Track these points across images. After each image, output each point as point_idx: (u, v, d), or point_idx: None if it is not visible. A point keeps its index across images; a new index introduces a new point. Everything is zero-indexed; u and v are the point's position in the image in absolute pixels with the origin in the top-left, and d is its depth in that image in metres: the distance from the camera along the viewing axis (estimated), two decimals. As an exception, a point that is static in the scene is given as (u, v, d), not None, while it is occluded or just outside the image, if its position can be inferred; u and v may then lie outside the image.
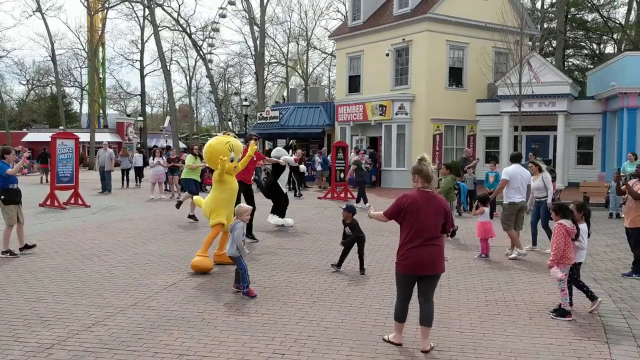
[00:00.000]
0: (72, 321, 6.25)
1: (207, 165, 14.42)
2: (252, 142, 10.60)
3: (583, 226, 6.85)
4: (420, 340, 5.55)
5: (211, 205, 9.09)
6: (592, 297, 6.77)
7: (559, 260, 6.50)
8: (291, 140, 33.81)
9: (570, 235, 6.54)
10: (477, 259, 9.89)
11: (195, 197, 10.56)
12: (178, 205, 14.76)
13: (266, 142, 37.06)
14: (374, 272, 8.73)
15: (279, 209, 13.12)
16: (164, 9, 47.35)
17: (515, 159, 10.72)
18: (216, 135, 10.12)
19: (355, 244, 8.89)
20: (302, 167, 15.58)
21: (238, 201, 10.17)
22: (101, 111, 61.03)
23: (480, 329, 6.17)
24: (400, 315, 5.59)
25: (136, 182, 26.41)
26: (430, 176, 5.50)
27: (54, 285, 7.77)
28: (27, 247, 10.03)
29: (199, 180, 15.16)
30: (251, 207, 8.36)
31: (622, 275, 8.75)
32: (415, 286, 5.55)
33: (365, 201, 16.94)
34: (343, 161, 20.91)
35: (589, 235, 7.01)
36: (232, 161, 9.18)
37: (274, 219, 12.95)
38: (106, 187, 22.29)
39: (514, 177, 10.16)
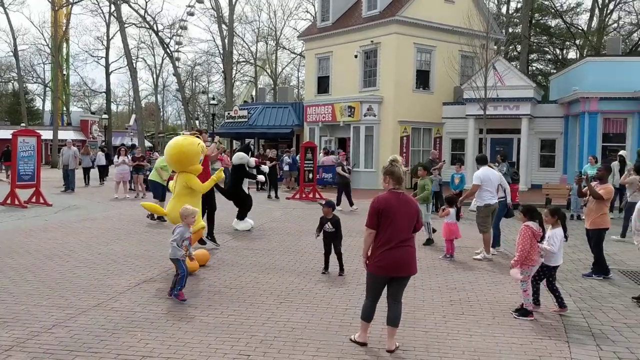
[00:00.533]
0: (32, 322, 6.10)
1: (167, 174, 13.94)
2: (220, 169, 10.32)
3: (559, 230, 6.86)
4: (385, 339, 5.59)
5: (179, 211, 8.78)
6: (561, 304, 6.87)
7: (523, 261, 6.61)
8: (248, 141, 33.69)
9: (536, 238, 6.64)
10: (442, 259, 10.00)
11: (144, 204, 9.21)
12: (151, 217, 13.93)
13: (234, 141, 36.86)
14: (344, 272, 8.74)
15: (243, 211, 12.89)
16: (130, 6, 46.74)
17: (482, 161, 10.79)
18: (182, 133, 9.92)
19: (332, 244, 8.74)
20: (264, 167, 15.21)
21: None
22: (65, 108, 59.81)
23: (444, 329, 6.24)
24: (368, 315, 5.61)
25: (100, 180, 26.03)
26: (401, 178, 5.52)
27: (14, 286, 7.57)
28: None
29: (166, 185, 14.58)
30: (197, 210, 7.69)
31: (583, 275, 8.95)
32: (385, 287, 5.57)
33: (339, 203, 16.76)
34: (312, 162, 20.89)
35: (566, 239, 6.99)
36: (200, 163, 9.06)
37: (240, 225, 12.71)
38: (69, 185, 21.87)
39: (485, 180, 10.26)
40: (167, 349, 5.47)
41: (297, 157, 23.89)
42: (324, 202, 8.94)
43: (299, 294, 7.50)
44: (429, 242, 11.47)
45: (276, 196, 20.52)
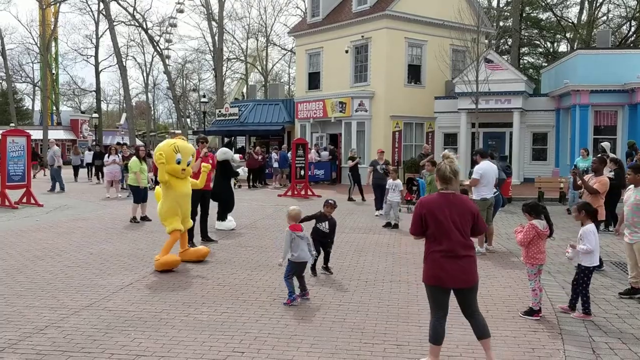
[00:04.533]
0: (23, 324, 6.06)
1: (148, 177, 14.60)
2: (205, 160, 10.40)
3: (591, 226, 6.61)
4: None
5: (162, 212, 9.02)
6: (572, 306, 6.70)
7: (526, 257, 6.54)
8: (228, 139, 33.86)
9: (541, 238, 6.44)
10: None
11: (156, 189, 9.67)
12: (133, 220, 13.60)
13: (225, 139, 36.76)
14: (336, 269, 8.73)
15: (224, 212, 12.60)
16: (119, 3, 46.49)
17: (484, 155, 10.58)
18: (174, 132, 9.90)
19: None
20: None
21: (195, 206, 10.08)
22: (54, 108, 59.41)
23: (438, 323, 6.21)
24: (435, 335, 5.03)
25: (88, 177, 26.44)
26: (448, 176, 4.87)
27: (5, 287, 7.52)
28: None
29: (146, 186, 14.22)
30: (299, 209, 7.45)
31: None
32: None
33: (378, 207, 15.42)
34: (303, 158, 20.88)
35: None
36: (179, 163, 8.96)
37: (222, 225, 12.45)
38: (60, 185, 21.70)
39: (485, 174, 10.08)
40: (160, 347, 5.45)
41: (289, 154, 23.85)
42: (332, 201, 8.42)
43: (293, 291, 7.48)
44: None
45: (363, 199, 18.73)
